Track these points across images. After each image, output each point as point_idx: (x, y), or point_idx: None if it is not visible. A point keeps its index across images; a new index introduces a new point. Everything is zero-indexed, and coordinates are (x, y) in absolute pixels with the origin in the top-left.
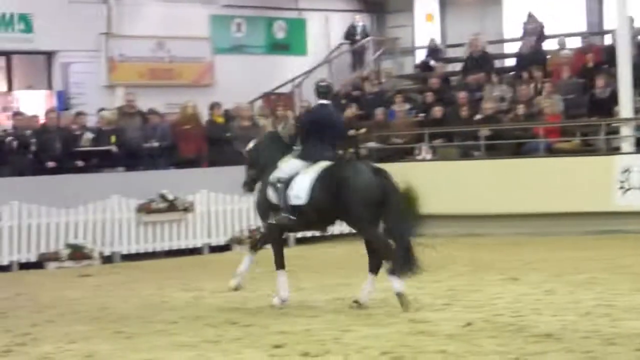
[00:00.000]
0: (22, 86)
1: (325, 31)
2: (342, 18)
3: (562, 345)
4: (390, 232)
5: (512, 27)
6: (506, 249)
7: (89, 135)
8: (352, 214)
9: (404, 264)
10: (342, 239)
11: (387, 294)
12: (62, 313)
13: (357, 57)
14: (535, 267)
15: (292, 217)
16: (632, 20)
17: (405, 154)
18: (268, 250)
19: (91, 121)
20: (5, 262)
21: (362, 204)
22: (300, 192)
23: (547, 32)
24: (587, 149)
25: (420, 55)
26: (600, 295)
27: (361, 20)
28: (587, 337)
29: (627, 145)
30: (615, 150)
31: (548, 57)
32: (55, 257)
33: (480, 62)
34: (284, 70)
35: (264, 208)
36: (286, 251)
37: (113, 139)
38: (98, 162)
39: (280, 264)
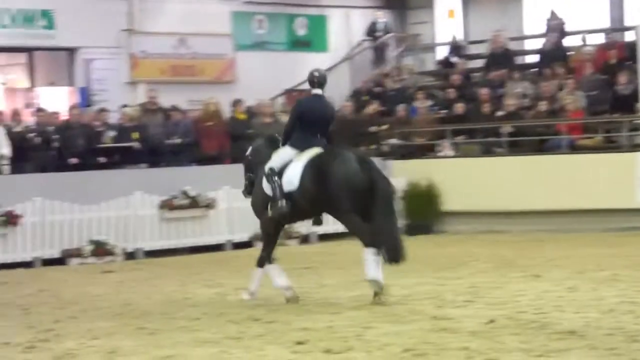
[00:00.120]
0: (44, 83)
1: (347, 28)
2: (363, 14)
3: (585, 343)
4: (376, 220)
5: (533, 23)
6: (528, 246)
7: (110, 134)
8: (332, 200)
9: (391, 251)
10: None
11: (409, 291)
12: (85, 309)
13: (379, 53)
14: (557, 264)
15: (286, 203)
16: None
17: (427, 151)
18: (290, 248)
19: (113, 118)
20: (28, 259)
21: (342, 191)
22: (292, 178)
23: (569, 28)
24: (610, 146)
25: (442, 52)
26: (624, 292)
27: (382, 17)
28: (610, 334)
29: None
30: (637, 147)
31: (570, 53)
32: (78, 253)
33: (502, 58)
34: (305, 66)
35: (259, 205)
36: (309, 248)
37: (135, 135)
38: (120, 158)
39: (267, 259)
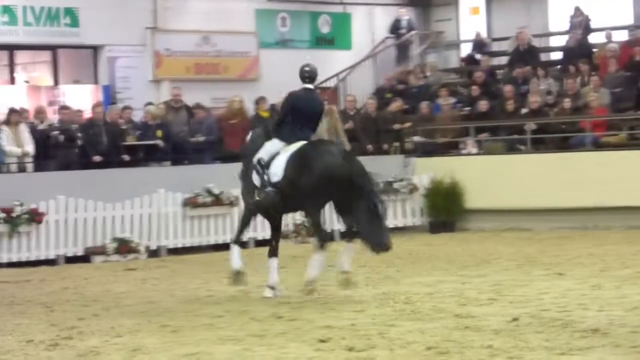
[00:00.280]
0: (68, 80)
1: (370, 25)
2: (386, 12)
3: (609, 340)
4: (358, 214)
5: (558, 20)
6: (552, 244)
7: (134, 134)
8: (306, 191)
9: (376, 238)
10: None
11: (432, 289)
12: (108, 307)
13: (402, 51)
14: (581, 262)
15: (270, 190)
16: None
17: (450, 148)
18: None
19: (137, 116)
20: (52, 256)
21: (320, 183)
22: (277, 169)
23: (593, 25)
24: (634, 143)
25: (466, 49)
26: None
27: (406, 14)
28: (634, 331)
29: None
30: None
31: (595, 50)
32: (101, 251)
33: (526, 55)
34: (329, 64)
35: (246, 194)
36: (331, 245)
37: (159, 133)
38: (144, 156)
39: (237, 238)
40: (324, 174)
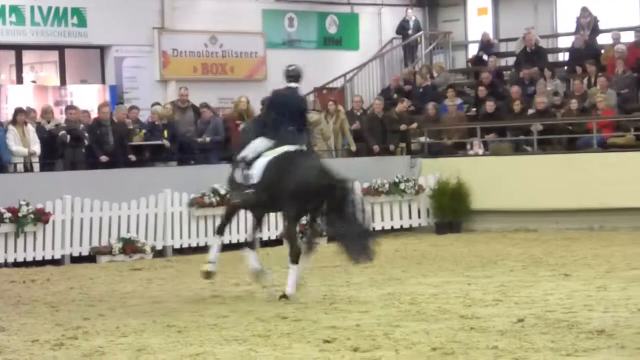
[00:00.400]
0: (75, 80)
1: (377, 26)
2: (394, 12)
3: (614, 342)
4: (337, 226)
5: (565, 21)
6: (558, 245)
7: (141, 133)
8: (284, 204)
9: (359, 251)
10: (394, 234)
11: (438, 290)
12: (114, 307)
13: (409, 51)
14: (587, 263)
15: (249, 191)
16: None
17: (457, 149)
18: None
19: (144, 116)
20: (57, 256)
21: (293, 198)
22: (257, 172)
23: (601, 26)
24: None
25: (473, 50)
26: None
27: (413, 15)
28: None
29: None
30: None
31: (602, 51)
32: (107, 250)
33: (533, 56)
34: (336, 65)
35: (229, 186)
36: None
37: (166, 133)
38: (151, 156)
39: (220, 230)
40: (301, 186)
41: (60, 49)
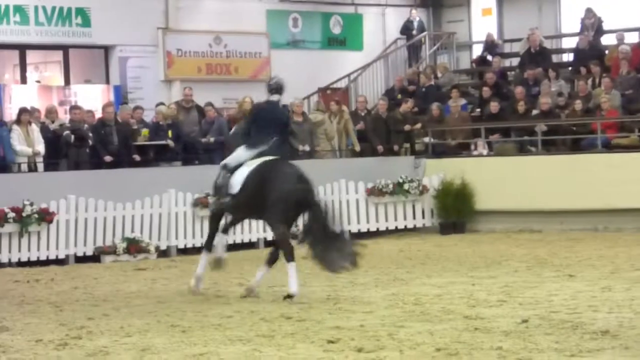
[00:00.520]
0: (79, 80)
1: (382, 26)
2: (398, 13)
3: (618, 342)
4: (315, 232)
5: (569, 21)
6: (562, 246)
7: (145, 133)
8: (268, 210)
9: (332, 266)
10: (398, 235)
11: (442, 290)
12: (118, 307)
13: (413, 52)
14: (591, 264)
15: (228, 200)
16: None
17: (461, 149)
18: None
19: (148, 116)
20: (61, 256)
21: (280, 203)
22: (237, 182)
23: (605, 26)
24: None
25: (477, 50)
26: None
27: (417, 15)
28: None
29: None
30: None
31: (606, 52)
32: (111, 250)
33: (537, 57)
34: (340, 65)
35: (214, 193)
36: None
37: (170, 133)
38: (155, 156)
39: (207, 246)
40: (283, 195)
41: (65, 48)
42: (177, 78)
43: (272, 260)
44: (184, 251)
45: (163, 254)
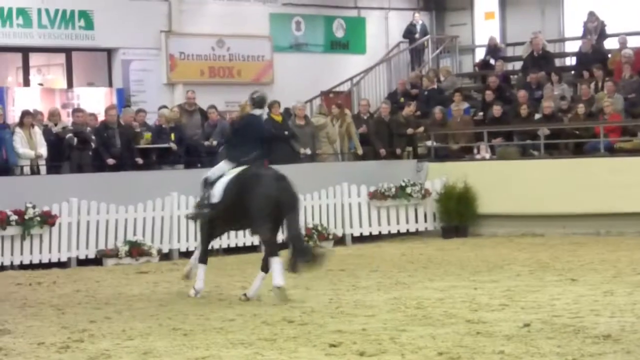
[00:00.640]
0: (82, 83)
1: (384, 30)
2: (401, 16)
3: (620, 347)
4: (289, 232)
5: (572, 25)
6: (565, 250)
7: (148, 137)
8: (250, 215)
9: (301, 256)
10: (400, 238)
11: (444, 294)
12: (120, 310)
13: (416, 55)
14: (594, 268)
15: (207, 211)
16: None
17: (463, 153)
18: (324, 250)
19: (151, 119)
20: (63, 258)
21: (261, 207)
22: (217, 191)
23: (608, 30)
24: None
25: (480, 54)
26: None
27: (420, 19)
28: None
29: None
30: None
31: (609, 55)
32: (113, 253)
33: (540, 60)
34: (343, 68)
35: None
36: (344, 249)
37: (173, 136)
38: (157, 159)
39: (202, 259)
40: (263, 199)
41: (68, 51)
42: (180, 81)
43: (267, 268)
44: (186, 254)
45: (165, 257)
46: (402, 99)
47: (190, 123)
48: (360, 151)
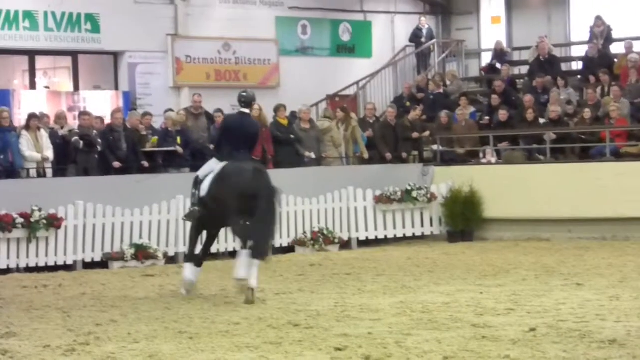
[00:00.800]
0: (88, 86)
1: (391, 34)
2: (407, 20)
3: (626, 351)
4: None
5: (578, 30)
6: (571, 254)
7: (154, 140)
8: (225, 204)
9: (255, 247)
10: (406, 242)
11: (450, 298)
12: (126, 313)
13: (422, 59)
14: (600, 273)
15: (198, 208)
16: None
17: (469, 157)
18: (330, 254)
19: (157, 122)
20: (69, 261)
21: (231, 197)
22: (205, 186)
23: (614, 35)
24: None
25: (486, 58)
26: None
27: (426, 23)
28: None
29: None
30: None
31: (615, 60)
32: (119, 256)
33: (546, 65)
34: (349, 72)
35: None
36: (350, 253)
37: (179, 139)
38: (163, 162)
39: (189, 257)
40: (235, 190)
41: (74, 54)
42: (186, 84)
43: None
44: None
45: (171, 260)
46: (408, 103)
47: (196, 126)
48: (366, 155)
